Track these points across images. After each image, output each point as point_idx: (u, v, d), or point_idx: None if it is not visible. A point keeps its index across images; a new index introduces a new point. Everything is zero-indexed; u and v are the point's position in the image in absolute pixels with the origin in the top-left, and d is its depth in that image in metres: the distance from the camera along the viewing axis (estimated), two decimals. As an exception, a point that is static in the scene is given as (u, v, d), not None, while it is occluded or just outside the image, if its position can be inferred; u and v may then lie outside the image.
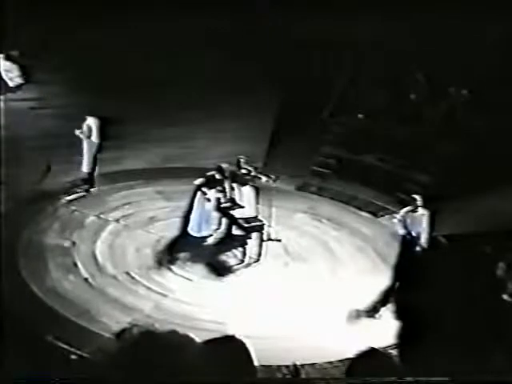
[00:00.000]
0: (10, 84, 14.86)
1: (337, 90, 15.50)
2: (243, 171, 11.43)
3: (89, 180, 12.45)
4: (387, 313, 9.54)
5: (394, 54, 14.35)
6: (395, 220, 11.14)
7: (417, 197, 10.89)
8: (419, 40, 14.14)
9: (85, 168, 12.47)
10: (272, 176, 11.84)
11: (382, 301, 9.64)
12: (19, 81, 15.00)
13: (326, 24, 13.89)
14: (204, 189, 11.15)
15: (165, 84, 14.46)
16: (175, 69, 14.57)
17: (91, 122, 12.64)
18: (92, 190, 12.39)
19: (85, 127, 12.53)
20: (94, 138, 12.52)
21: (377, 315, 9.40)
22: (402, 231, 10.95)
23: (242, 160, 11.40)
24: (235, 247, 11.16)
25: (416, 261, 10.57)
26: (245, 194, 11.40)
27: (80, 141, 12.64)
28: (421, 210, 10.70)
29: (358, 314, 9.30)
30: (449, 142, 13.85)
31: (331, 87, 15.34)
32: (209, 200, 11.02)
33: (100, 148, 12.68)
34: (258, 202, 11.44)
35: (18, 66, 14.88)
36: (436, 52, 14.36)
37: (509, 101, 13.17)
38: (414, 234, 10.85)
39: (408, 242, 10.86)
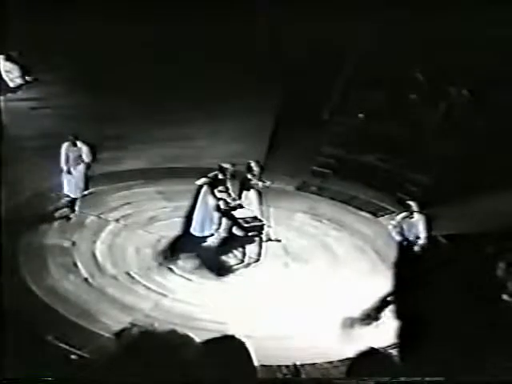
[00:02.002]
0: (11, 84, 14.87)
1: (337, 90, 15.51)
2: (250, 176, 11.43)
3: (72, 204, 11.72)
4: (387, 313, 9.54)
5: (394, 54, 14.35)
6: (390, 227, 11.01)
7: (411, 203, 10.83)
8: (419, 40, 14.14)
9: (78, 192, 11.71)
10: (270, 181, 11.81)
11: (381, 307, 9.60)
12: (19, 81, 15.02)
13: (326, 24, 13.90)
14: (210, 189, 11.15)
15: (165, 84, 14.48)
16: (176, 69, 14.60)
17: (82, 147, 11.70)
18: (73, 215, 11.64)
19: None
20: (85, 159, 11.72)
21: (375, 322, 9.36)
22: (398, 237, 10.82)
23: (252, 164, 11.41)
24: (235, 247, 11.16)
25: (416, 261, 10.56)
26: (249, 198, 11.42)
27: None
28: (416, 216, 10.65)
29: (352, 323, 9.25)
30: (449, 142, 13.85)
31: (331, 87, 15.35)
32: (219, 199, 11.03)
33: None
34: (261, 203, 11.46)
35: (18, 67, 14.89)
36: (436, 52, 14.37)
37: (509, 101, 13.16)
38: (410, 239, 10.76)
39: (405, 248, 10.80)
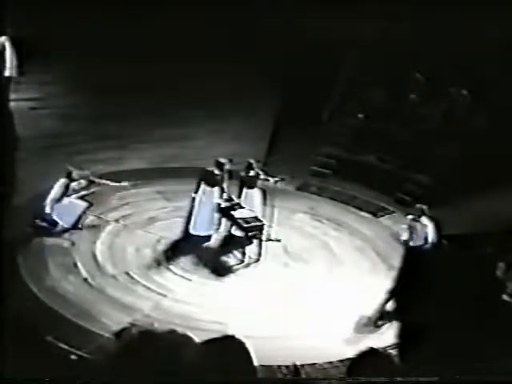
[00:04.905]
0: (13, 74, 14.77)
1: (337, 90, 15.51)
2: (252, 174, 11.46)
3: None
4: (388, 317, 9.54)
5: (394, 54, 14.35)
6: (402, 228, 11.00)
7: (419, 205, 10.84)
8: (419, 40, 14.14)
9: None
10: (279, 176, 11.80)
11: (382, 315, 9.58)
12: (17, 71, 14.91)
13: (326, 24, 13.89)
14: (209, 188, 11.16)
15: (165, 84, 14.47)
16: (175, 69, 14.58)
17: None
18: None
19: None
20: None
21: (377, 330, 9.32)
22: (408, 241, 10.81)
23: (253, 162, 11.45)
24: (235, 247, 11.16)
25: (419, 262, 10.56)
26: (253, 197, 11.44)
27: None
28: (424, 219, 10.66)
29: (354, 329, 9.20)
30: (449, 142, 13.85)
31: (331, 87, 15.35)
32: (218, 198, 11.05)
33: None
34: (265, 205, 11.47)
35: (17, 56, 14.79)
36: (436, 52, 14.37)
37: (508, 101, 13.16)
38: (419, 242, 10.76)
39: (411, 251, 10.79)
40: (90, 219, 11.53)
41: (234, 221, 11.03)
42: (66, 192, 11.14)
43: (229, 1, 14.40)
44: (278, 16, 14.36)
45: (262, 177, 11.61)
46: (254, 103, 14.62)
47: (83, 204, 11.34)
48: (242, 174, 11.64)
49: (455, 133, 14.01)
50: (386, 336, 8.89)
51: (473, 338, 8.13)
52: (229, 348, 2.83)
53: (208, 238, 11.16)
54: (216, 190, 11.21)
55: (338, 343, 8.72)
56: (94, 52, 14.49)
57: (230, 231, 11.07)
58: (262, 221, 11.17)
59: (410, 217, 10.83)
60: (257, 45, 14.52)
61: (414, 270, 10.28)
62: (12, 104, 13.85)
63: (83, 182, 11.32)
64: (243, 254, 10.99)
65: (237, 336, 2.92)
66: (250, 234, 11.02)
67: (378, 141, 14.37)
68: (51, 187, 11.21)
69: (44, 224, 11.00)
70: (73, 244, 10.74)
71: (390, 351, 8.01)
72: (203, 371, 2.59)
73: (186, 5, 14.38)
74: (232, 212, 11.09)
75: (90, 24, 14.17)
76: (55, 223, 11.02)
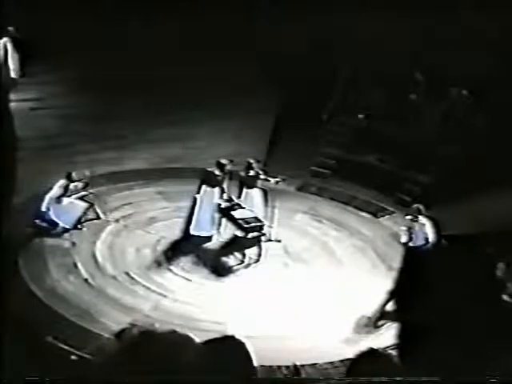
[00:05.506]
0: (15, 76, 14.78)
1: (337, 90, 15.51)
2: (252, 173, 11.47)
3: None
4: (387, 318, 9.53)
5: (394, 54, 14.35)
6: (402, 230, 11.00)
7: (417, 206, 10.85)
8: (419, 40, 14.14)
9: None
10: (280, 177, 11.80)
11: (381, 316, 9.57)
12: (19, 72, 14.92)
13: (326, 24, 13.90)
14: (210, 188, 11.17)
15: (165, 84, 14.47)
16: (176, 69, 14.59)
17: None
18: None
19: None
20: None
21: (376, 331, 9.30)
22: (408, 241, 10.81)
23: (253, 162, 11.47)
24: (236, 248, 11.16)
25: (419, 263, 10.55)
26: (253, 197, 11.45)
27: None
28: (422, 219, 10.66)
29: (353, 330, 9.19)
30: (449, 142, 13.85)
31: (331, 87, 15.35)
32: (218, 199, 11.06)
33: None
34: (266, 205, 11.48)
35: (19, 56, 14.79)
36: (436, 52, 14.37)
37: (509, 101, 13.16)
38: (418, 243, 10.76)
39: (411, 251, 10.78)
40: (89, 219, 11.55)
41: (234, 221, 11.03)
42: (65, 193, 11.16)
43: (229, 1, 14.40)
44: (278, 16, 14.36)
45: (261, 177, 11.62)
46: (254, 103, 14.62)
47: (83, 204, 11.37)
48: (242, 173, 11.65)
49: (455, 133, 14.00)
50: (386, 336, 8.89)
51: (473, 337, 8.13)
52: (229, 348, 2.83)
53: (208, 238, 11.16)
54: (216, 190, 11.21)
55: (337, 343, 8.72)
56: (94, 52, 14.50)
57: (233, 234, 11.05)
58: (262, 221, 11.17)
59: (409, 217, 10.83)
60: (257, 45, 14.53)
61: (414, 270, 10.27)
62: (12, 104, 13.85)
63: (80, 184, 11.33)
64: (243, 254, 10.99)
65: (237, 336, 2.91)
66: (250, 234, 11.02)
67: (378, 141, 14.37)
68: (51, 187, 11.22)
69: (44, 224, 11.01)
70: (73, 244, 10.74)
71: (390, 351, 7.99)
72: (203, 371, 2.59)
73: (186, 5, 14.38)
74: (232, 212, 11.09)
75: (90, 24, 14.18)
76: (55, 223, 11.03)
